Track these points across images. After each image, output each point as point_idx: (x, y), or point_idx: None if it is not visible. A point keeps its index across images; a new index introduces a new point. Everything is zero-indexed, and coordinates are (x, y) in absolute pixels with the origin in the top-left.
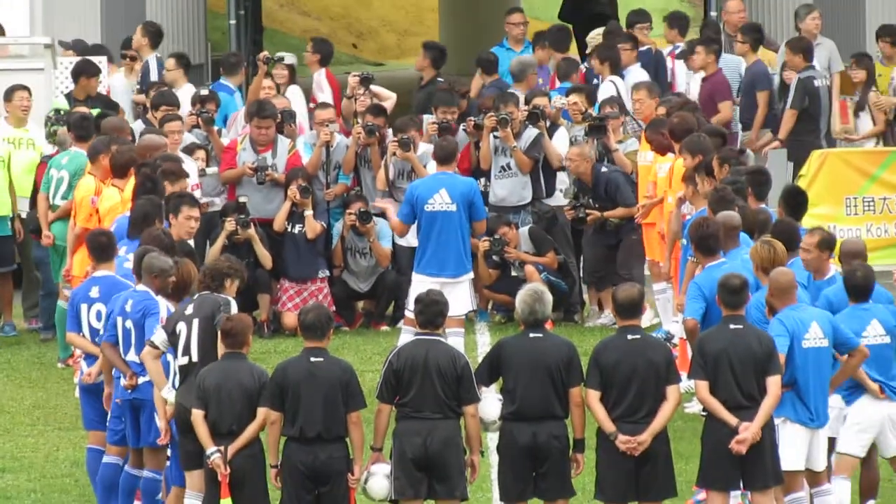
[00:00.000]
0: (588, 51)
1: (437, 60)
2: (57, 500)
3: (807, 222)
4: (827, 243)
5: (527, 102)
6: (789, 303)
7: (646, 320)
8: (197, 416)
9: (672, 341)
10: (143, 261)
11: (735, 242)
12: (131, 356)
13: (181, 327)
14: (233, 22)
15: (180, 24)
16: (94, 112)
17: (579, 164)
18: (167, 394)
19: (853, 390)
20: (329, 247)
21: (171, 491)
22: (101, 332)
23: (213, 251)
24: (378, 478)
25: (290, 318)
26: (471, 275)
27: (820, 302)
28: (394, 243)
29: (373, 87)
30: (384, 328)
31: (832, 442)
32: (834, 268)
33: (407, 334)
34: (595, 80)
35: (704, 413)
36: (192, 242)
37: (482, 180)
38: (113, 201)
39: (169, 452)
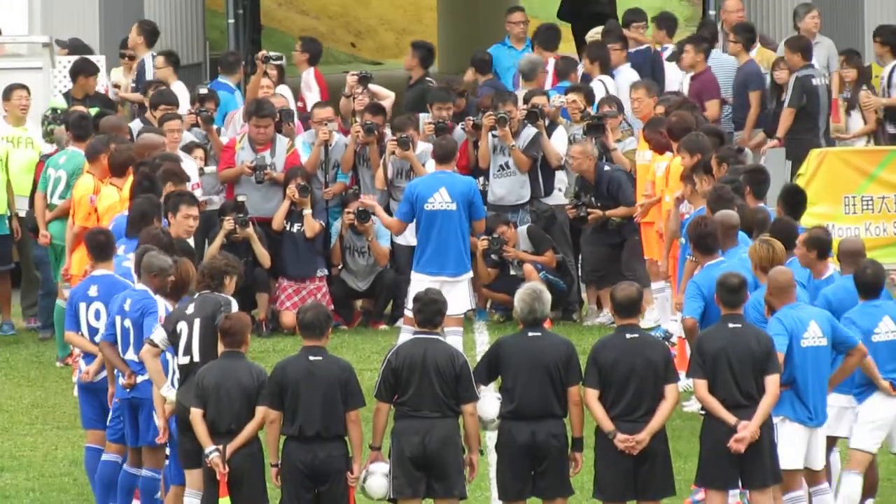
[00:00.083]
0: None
1: (425, 60)
2: (55, 499)
3: (805, 221)
4: (815, 242)
5: (525, 101)
6: (788, 302)
7: (651, 320)
8: (195, 414)
9: (671, 340)
10: (141, 259)
11: (733, 241)
12: (130, 355)
13: (182, 326)
14: (231, 21)
15: (178, 22)
16: (93, 111)
17: (582, 161)
18: (166, 392)
19: (865, 388)
20: (328, 246)
21: (169, 490)
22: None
23: (211, 250)
24: (376, 477)
25: (288, 317)
26: (470, 274)
27: (819, 301)
28: (392, 242)
29: (371, 86)
30: (383, 327)
31: (831, 441)
32: (833, 267)
33: (406, 333)
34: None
35: (703, 412)
36: (191, 241)
37: (480, 179)
38: (111, 200)
39: (168, 451)
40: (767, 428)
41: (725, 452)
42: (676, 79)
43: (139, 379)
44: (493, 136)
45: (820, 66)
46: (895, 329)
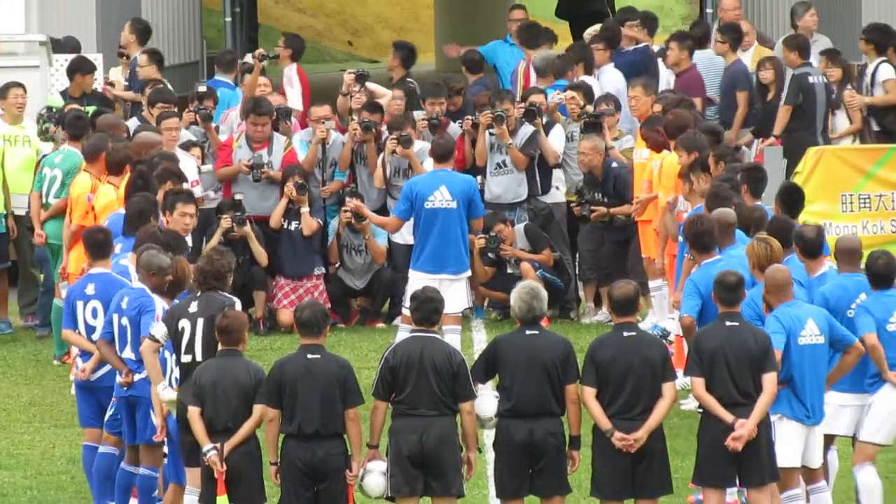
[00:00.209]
0: None
1: (406, 60)
2: (53, 498)
3: (803, 220)
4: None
5: (523, 100)
6: (785, 300)
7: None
8: (193, 413)
9: (668, 338)
10: (140, 257)
11: (731, 239)
12: (127, 353)
13: (184, 324)
14: (228, 19)
15: (176, 21)
16: (90, 110)
17: (593, 157)
18: (163, 392)
19: (877, 378)
20: (325, 244)
21: (168, 488)
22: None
23: (208, 249)
24: (374, 475)
25: (285, 316)
26: (468, 272)
27: (816, 299)
28: (389, 240)
29: (368, 85)
30: (380, 325)
31: (828, 439)
32: (828, 263)
33: (403, 331)
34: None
35: (700, 410)
36: (189, 240)
37: (478, 177)
38: (109, 198)
39: (166, 450)
40: (765, 426)
41: (723, 450)
42: (664, 75)
43: (136, 377)
44: (491, 134)
45: (817, 65)
46: None
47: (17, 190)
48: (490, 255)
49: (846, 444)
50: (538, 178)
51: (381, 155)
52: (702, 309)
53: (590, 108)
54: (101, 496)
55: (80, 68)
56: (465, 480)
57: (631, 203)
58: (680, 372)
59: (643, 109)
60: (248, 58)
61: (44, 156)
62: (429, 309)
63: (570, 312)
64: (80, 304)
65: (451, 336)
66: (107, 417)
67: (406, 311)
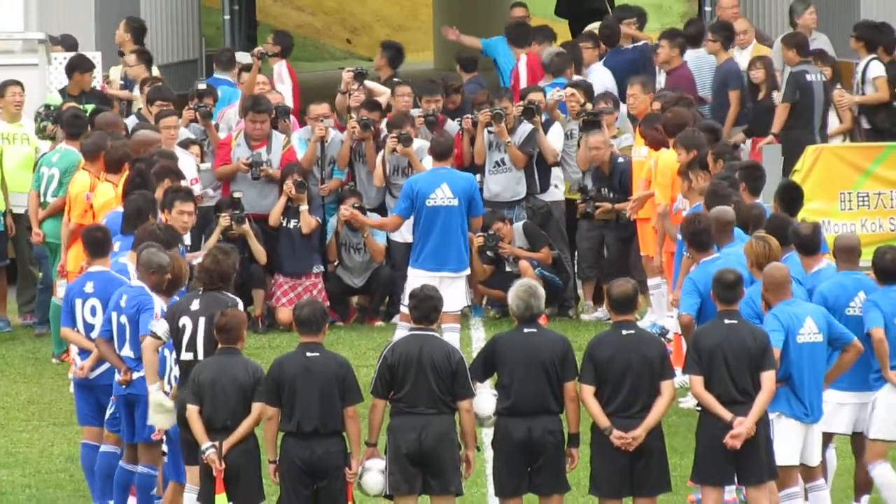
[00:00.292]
0: None
1: (394, 60)
2: (51, 496)
3: (802, 218)
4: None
5: (522, 98)
6: (784, 298)
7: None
8: (192, 411)
9: (667, 336)
10: (139, 255)
11: (729, 237)
12: (126, 351)
13: (185, 322)
14: (227, 17)
15: (174, 19)
16: (89, 108)
17: (604, 151)
18: (155, 394)
19: (880, 375)
20: (324, 242)
21: (167, 486)
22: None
23: (212, 248)
24: (372, 473)
25: (284, 314)
26: (468, 270)
27: (815, 297)
28: (388, 239)
29: (367, 83)
30: (378, 323)
31: (827, 437)
32: (826, 261)
33: (402, 330)
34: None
35: (699, 408)
36: (188, 238)
37: (477, 176)
38: (107, 197)
39: (165, 448)
40: (763, 424)
41: (721, 449)
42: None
43: (135, 375)
44: (489, 132)
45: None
46: None
47: (16, 188)
48: (489, 253)
49: (845, 442)
50: (537, 177)
51: (381, 153)
52: (700, 307)
53: (589, 106)
54: (102, 495)
55: (79, 66)
56: (463, 479)
57: None
58: (678, 370)
59: (642, 107)
60: (240, 55)
61: (42, 154)
62: (427, 307)
63: (568, 310)
64: (78, 302)
65: (449, 334)
66: (107, 416)
67: (405, 309)
